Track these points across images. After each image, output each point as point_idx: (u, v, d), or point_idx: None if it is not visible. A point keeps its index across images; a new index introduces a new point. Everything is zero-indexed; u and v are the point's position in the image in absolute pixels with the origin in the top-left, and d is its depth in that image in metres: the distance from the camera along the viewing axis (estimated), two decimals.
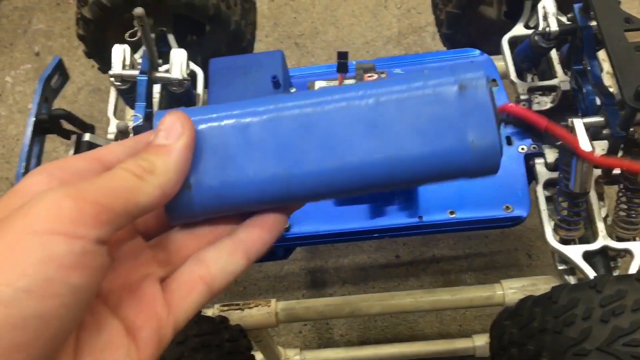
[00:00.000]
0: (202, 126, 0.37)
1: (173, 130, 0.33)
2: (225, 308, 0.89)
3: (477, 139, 0.41)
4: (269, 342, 1.01)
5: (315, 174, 0.39)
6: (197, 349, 0.72)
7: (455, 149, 0.40)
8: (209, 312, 0.90)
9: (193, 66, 0.98)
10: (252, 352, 0.87)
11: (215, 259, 0.34)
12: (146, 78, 0.83)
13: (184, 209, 0.37)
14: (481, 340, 1.12)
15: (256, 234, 0.35)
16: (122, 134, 0.68)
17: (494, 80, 0.93)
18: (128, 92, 0.88)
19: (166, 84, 0.88)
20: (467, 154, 0.41)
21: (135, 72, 0.84)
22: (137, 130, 0.76)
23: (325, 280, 1.27)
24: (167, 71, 0.88)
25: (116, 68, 0.85)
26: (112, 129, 0.97)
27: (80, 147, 0.90)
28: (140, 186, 0.30)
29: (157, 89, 0.94)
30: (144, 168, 0.31)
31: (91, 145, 0.90)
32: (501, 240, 1.28)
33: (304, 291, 1.26)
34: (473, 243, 1.28)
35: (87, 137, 0.90)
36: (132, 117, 0.76)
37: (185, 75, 0.88)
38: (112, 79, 0.86)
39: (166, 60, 0.91)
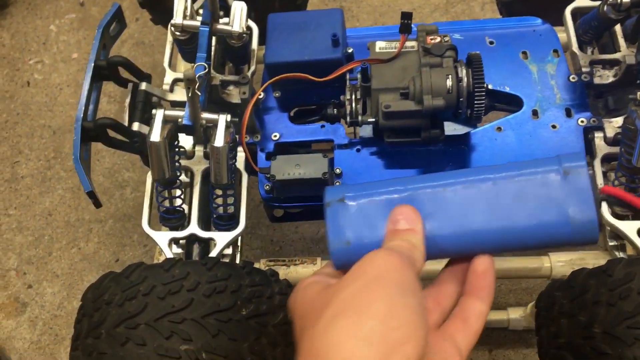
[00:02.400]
0: (359, 201, 0.55)
1: (410, 218, 0.51)
2: (272, 263, 0.90)
3: (577, 216, 0.52)
4: None
5: (452, 235, 0.54)
6: (250, 299, 0.73)
7: (558, 223, 0.53)
8: (256, 265, 0.91)
9: (249, 21, 0.97)
10: None
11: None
12: (208, 29, 0.82)
13: (345, 259, 0.54)
14: (515, 314, 1.12)
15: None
16: (189, 82, 0.68)
17: (555, 51, 0.91)
18: (186, 42, 0.88)
19: (225, 36, 0.88)
20: (567, 227, 0.52)
21: (197, 23, 0.83)
22: (202, 79, 0.76)
23: None
24: (226, 24, 0.88)
25: (178, 17, 0.84)
26: (168, 79, 0.97)
27: (137, 96, 0.90)
28: (415, 256, 0.49)
29: (212, 42, 0.94)
30: (412, 244, 0.50)
31: (147, 95, 0.91)
32: None
33: None
34: None
35: (143, 86, 0.90)
36: (195, 67, 0.76)
37: (245, 29, 0.87)
38: (172, 29, 0.86)
39: (226, 13, 0.91)
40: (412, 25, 0.84)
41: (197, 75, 0.72)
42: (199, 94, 0.71)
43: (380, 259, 0.46)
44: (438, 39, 0.82)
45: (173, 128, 0.78)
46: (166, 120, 0.77)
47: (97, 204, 0.82)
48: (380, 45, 0.85)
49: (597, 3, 0.89)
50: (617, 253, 0.83)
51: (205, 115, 0.77)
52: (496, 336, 1.17)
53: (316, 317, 0.43)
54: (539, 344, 0.79)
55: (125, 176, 1.40)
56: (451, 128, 0.86)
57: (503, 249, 0.55)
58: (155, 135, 0.75)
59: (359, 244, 0.54)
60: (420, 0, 1.54)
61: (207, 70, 0.77)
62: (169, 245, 0.84)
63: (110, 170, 1.41)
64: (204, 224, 0.89)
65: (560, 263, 0.86)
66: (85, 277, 1.31)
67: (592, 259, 0.86)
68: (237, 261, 0.88)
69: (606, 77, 0.88)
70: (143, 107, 0.89)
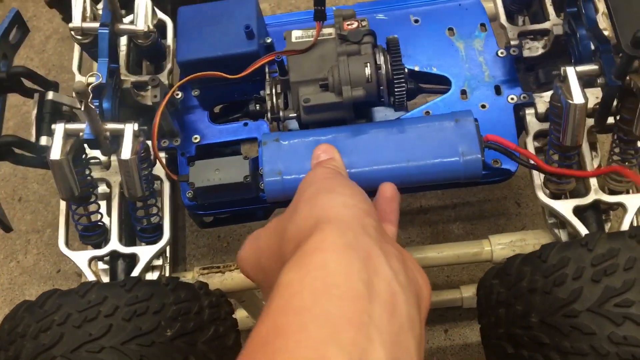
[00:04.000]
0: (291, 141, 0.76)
1: (328, 150, 0.63)
2: (205, 271, 0.86)
3: (465, 152, 0.72)
4: (253, 301, 0.99)
5: (367, 170, 0.72)
6: (175, 318, 0.69)
7: (451, 158, 0.72)
8: (189, 275, 0.87)
9: (161, 15, 0.91)
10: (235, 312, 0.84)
11: None
12: (107, 31, 0.76)
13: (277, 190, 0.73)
14: (468, 292, 1.10)
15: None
16: (80, 95, 0.63)
17: (482, 24, 0.87)
18: (91, 45, 0.82)
19: (131, 36, 0.82)
20: (458, 162, 0.71)
21: (96, 25, 0.77)
22: (98, 90, 0.71)
23: None
24: (131, 22, 0.82)
25: (76, 20, 0.78)
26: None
27: (44, 107, 0.84)
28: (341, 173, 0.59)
29: (123, 41, 0.88)
30: (335, 167, 0.59)
31: (55, 105, 0.85)
32: (489, 188, 1.25)
33: None
34: (461, 192, 1.25)
35: (50, 95, 0.84)
36: (94, 76, 0.70)
37: (151, 26, 0.82)
38: (72, 33, 0.80)
39: (131, 10, 0.85)
40: (329, 10, 0.79)
41: (91, 87, 0.67)
42: (94, 106, 0.66)
43: (319, 169, 0.58)
44: (355, 24, 0.77)
45: (77, 142, 0.73)
46: (68, 134, 0.71)
47: (6, 229, 0.76)
48: (296, 35, 0.80)
49: None
50: (557, 231, 0.80)
51: (110, 125, 0.72)
52: (451, 315, 1.16)
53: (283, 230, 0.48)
54: (482, 333, 0.77)
55: None
56: (382, 114, 0.82)
57: (409, 181, 0.72)
58: (56, 153, 0.69)
59: (289, 175, 0.73)
60: None
61: (102, 79, 0.71)
62: (90, 264, 0.79)
63: (45, 177, 1.34)
64: (129, 238, 0.84)
65: (500, 246, 0.83)
66: (26, 290, 1.26)
67: (533, 239, 0.83)
68: (167, 273, 0.83)
69: (535, 49, 0.84)
70: (51, 119, 0.82)
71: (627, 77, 0.68)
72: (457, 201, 1.24)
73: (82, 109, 0.65)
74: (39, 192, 1.33)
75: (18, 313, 0.70)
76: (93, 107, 0.66)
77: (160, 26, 0.92)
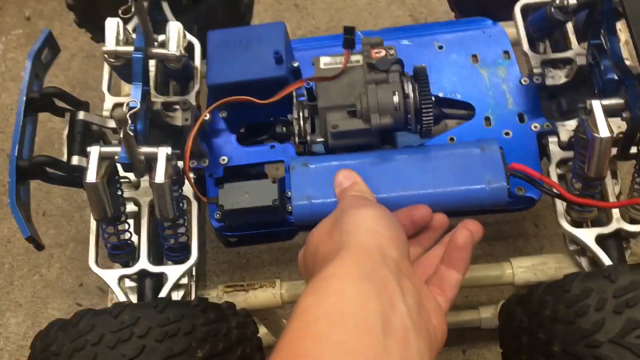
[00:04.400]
0: (319, 165, 0.79)
1: (349, 176, 0.64)
2: (230, 289, 0.88)
3: (491, 180, 0.73)
4: (275, 320, 1.00)
5: (394, 196, 0.74)
6: (205, 339, 0.71)
7: (477, 186, 0.74)
8: (213, 293, 0.88)
9: (189, 37, 0.93)
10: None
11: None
12: (142, 56, 0.78)
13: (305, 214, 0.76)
14: (487, 312, 1.11)
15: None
16: (120, 122, 0.65)
17: (506, 52, 0.88)
18: (123, 67, 0.84)
19: (162, 60, 0.84)
20: (484, 190, 0.73)
21: (130, 49, 0.80)
22: (135, 115, 0.73)
23: None
24: (162, 44, 0.84)
25: (110, 44, 0.80)
26: (108, 105, 0.93)
27: (75, 126, 0.86)
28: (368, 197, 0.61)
29: (152, 62, 0.90)
30: (360, 192, 0.62)
31: (86, 124, 0.87)
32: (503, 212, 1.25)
33: None
34: None
35: (81, 115, 0.87)
36: (129, 103, 0.72)
37: (183, 50, 0.83)
38: (105, 56, 0.82)
39: (160, 30, 0.87)
40: (358, 36, 0.80)
41: (128, 113, 0.69)
42: (131, 132, 0.68)
43: (349, 198, 0.60)
44: (383, 52, 0.79)
45: (111, 164, 0.75)
46: (102, 157, 0.73)
47: (39, 247, 0.78)
48: (324, 61, 0.81)
49: (547, 0, 0.86)
50: (578, 258, 0.81)
51: (144, 149, 0.74)
52: (469, 336, 1.16)
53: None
54: (503, 357, 0.78)
55: (84, 197, 1.34)
56: (405, 139, 0.84)
57: (435, 208, 0.68)
58: (91, 176, 0.71)
59: (317, 199, 0.75)
60: None
61: (139, 105, 0.73)
62: (120, 283, 0.81)
63: (69, 192, 1.37)
64: (156, 256, 0.86)
65: (522, 269, 0.84)
66: (49, 304, 1.28)
67: (554, 263, 0.84)
68: (193, 292, 0.85)
69: (558, 77, 0.85)
70: (82, 139, 0.85)
71: None
72: None
73: (121, 135, 0.67)
74: (62, 207, 1.35)
75: (51, 332, 0.72)
76: (131, 133, 0.67)
77: (189, 47, 0.94)
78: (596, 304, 0.66)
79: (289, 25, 1.55)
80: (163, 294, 0.79)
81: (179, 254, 0.83)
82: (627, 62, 0.81)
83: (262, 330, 1.04)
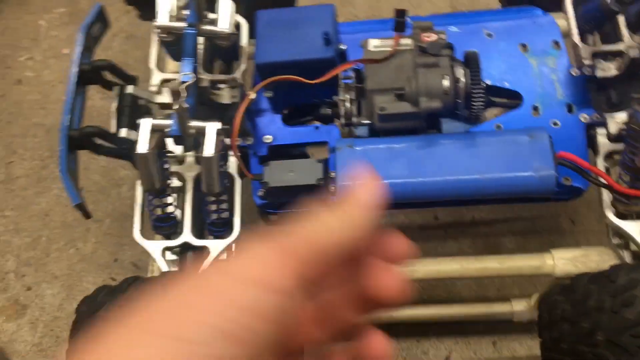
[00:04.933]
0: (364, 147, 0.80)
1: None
2: None
3: (539, 168, 0.73)
4: None
5: (433, 181, 0.74)
6: None
7: (525, 173, 0.73)
8: None
9: (237, 16, 0.94)
10: None
11: None
12: (195, 31, 0.79)
13: None
14: (520, 306, 1.10)
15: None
16: (175, 94, 0.66)
17: (556, 42, 0.88)
18: (172, 43, 0.85)
19: (213, 37, 0.85)
20: (532, 177, 0.73)
21: (183, 25, 0.81)
22: (189, 89, 0.74)
23: None
24: (212, 21, 0.85)
25: (162, 19, 0.81)
26: (155, 80, 0.94)
27: (124, 100, 0.88)
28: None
29: (200, 40, 0.91)
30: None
31: (134, 98, 0.88)
32: (544, 204, 1.24)
33: None
34: (515, 207, 1.25)
35: (130, 89, 0.88)
36: (182, 76, 0.73)
37: (233, 29, 0.84)
38: (157, 30, 0.83)
39: (209, 10, 0.87)
40: (408, 21, 0.80)
41: (183, 86, 0.70)
42: (186, 105, 0.69)
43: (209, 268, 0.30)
44: (434, 36, 0.79)
45: (161, 137, 0.76)
46: (154, 129, 0.75)
47: (87, 215, 0.80)
48: (374, 44, 0.82)
49: None
50: (620, 251, 0.81)
51: (194, 123, 0.75)
52: (501, 328, 1.16)
53: None
54: (542, 346, 0.78)
55: (122, 174, 1.38)
56: (450, 126, 0.83)
57: (482, 193, 0.73)
58: (143, 147, 0.73)
59: None
60: None
61: (194, 77, 0.74)
62: (162, 254, 0.82)
63: (106, 169, 1.39)
64: (198, 230, 0.87)
65: (563, 261, 0.84)
66: (84, 277, 1.30)
67: (596, 256, 0.83)
68: None
69: (609, 69, 0.84)
70: (130, 112, 0.86)
71: None
72: (509, 215, 1.25)
73: (175, 107, 0.68)
74: (100, 183, 1.37)
75: (99, 297, 0.73)
76: (185, 106, 0.68)
77: (236, 27, 0.94)
78: None
79: None
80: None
81: (221, 229, 0.84)
82: None
83: None
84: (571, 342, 0.70)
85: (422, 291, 1.21)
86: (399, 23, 0.78)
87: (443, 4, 1.47)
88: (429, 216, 1.27)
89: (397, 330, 1.18)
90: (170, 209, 0.84)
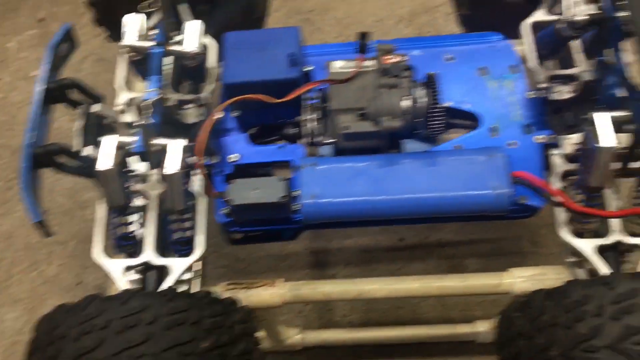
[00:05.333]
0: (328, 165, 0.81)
1: None
2: (232, 287, 0.89)
3: (496, 187, 0.76)
4: (272, 322, 1.01)
5: (394, 199, 0.76)
6: (210, 331, 0.71)
7: (481, 191, 0.76)
8: (215, 289, 0.89)
9: (205, 38, 0.96)
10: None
11: None
12: (162, 50, 0.80)
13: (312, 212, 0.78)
14: (483, 327, 1.11)
15: None
16: (142, 110, 0.66)
17: (514, 66, 0.91)
18: (140, 63, 0.86)
19: (180, 57, 0.86)
20: (489, 195, 0.76)
21: (150, 44, 0.82)
22: (155, 105, 0.74)
23: (328, 261, 1.27)
24: (179, 42, 0.86)
25: (130, 39, 0.82)
26: (122, 99, 0.95)
27: (89, 118, 0.88)
28: None
29: (168, 60, 0.92)
30: None
31: (99, 117, 0.88)
32: (506, 227, 1.27)
33: (307, 270, 1.26)
34: (478, 229, 1.27)
35: (95, 108, 0.88)
36: (148, 93, 0.74)
37: (200, 49, 0.86)
38: (124, 50, 0.84)
39: (177, 30, 0.89)
40: (371, 44, 0.83)
41: (148, 102, 0.71)
42: (151, 122, 0.69)
43: None
44: (395, 59, 0.81)
45: (125, 154, 0.76)
46: (117, 147, 0.75)
47: (47, 234, 0.79)
48: (338, 65, 0.84)
49: (555, 17, 0.89)
50: (576, 269, 0.83)
51: (159, 141, 0.75)
52: (464, 349, 1.17)
53: None
54: None
55: (86, 196, 1.36)
56: (412, 146, 0.85)
57: (440, 211, 0.76)
58: (106, 164, 0.73)
59: (325, 198, 0.78)
60: (384, 11, 1.54)
61: (160, 95, 0.74)
62: (124, 273, 0.82)
63: (72, 190, 1.37)
64: (162, 249, 0.86)
65: (521, 279, 0.86)
66: (47, 300, 1.27)
67: (553, 274, 0.85)
68: (196, 287, 0.85)
69: (564, 92, 0.88)
70: (95, 131, 0.86)
71: None
72: (473, 237, 1.27)
73: (142, 122, 0.68)
74: (65, 205, 1.36)
75: (58, 315, 0.72)
76: (151, 122, 0.69)
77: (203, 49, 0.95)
78: (595, 310, 0.67)
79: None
80: (166, 286, 0.80)
81: (184, 248, 0.84)
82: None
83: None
84: (527, 358, 0.71)
85: (387, 312, 1.22)
86: (362, 45, 0.80)
87: (409, 31, 1.51)
88: (395, 238, 1.28)
89: (362, 352, 1.18)
90: (133, 227, 0.83)
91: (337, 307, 1.23)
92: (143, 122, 0.68)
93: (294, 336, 1.12)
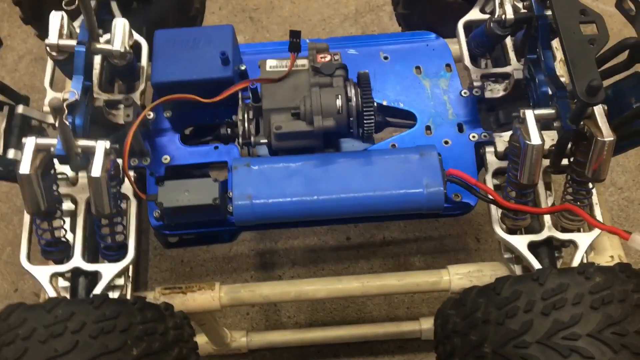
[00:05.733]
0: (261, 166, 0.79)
1: None
2: (167, 291, 0.86)
3: (429, 185, 0.76)
4: (213, 325, 0.99)
5: (328, 199, 0.76)
6: (141, 337, 0.69)
7: (415, 190, 0.76)
8: (150, 295, 0.87)
9: (137, 37, 0.93)
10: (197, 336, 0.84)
11: None
12: (84, 50, 0.78)
13: (246, 214, 0.76)
14: (428, 324, 1.12)
15: None
16: (55, 111, 0.64)
17: (448, 65, 0.91)
18: (66, 62, 0.83)
19: (107, 55, 0.84)
20: (422, 194, 0.76)
21: (73, 43, 0.79)
22: (73, 106, 0.72)
23: (275, 262, 1.25)
24: (108, 42, 0.83)
25: (52, 37, 0.79)
26: (49, 100, 0.91)
27: (13, 119, 0.84)
28: None
29: (97, 60, 0.89)
30: None
31: (24, 118, 0.85)
32: (451, 224, 1.28)
33: (253, 272, 1.24)
34: (423, 226, 1.28)
35: (20, 109, 0.85)
36: (68, 92, 0.71)
37: (128, 47, 0.83)
38: (47, 49, 0.81)
39: (108, 29, 0.86)
40: (303, 42, 0.82)
41: (66, 103, 0.68)
42: (67, 122, 0.67)
43: None
44: (328, 58, 0.80)
45: (47, 156, 0.73)
46: (38, 149, 0.72)
47: None
48: (270, 64, 0.82)
49: (487, 16, 0.89)
50: (512, 266, 0.84)
51: (81, 142, 0.73)
52: (410, 347, 1.17)
53: None
54: None
55: None
56: (349, 145, 0.85)
57: (374, 210, 0.75)
58: (25, 167, 0.70)
59: (258, 199, 0.76)
60: (330, 10, 1.53)
61: (78, 96, 0.72)
62: (52, 280, 0.79)
63: (8, 195, 1.33)
64: (92, 255, 0.84)
65: (458, 276, 0.86)
66: None
67: (489, 271, 0.86)
68: (129, 293, 0.83)
69: (497, 91, 0.88)
70: (20, 133, 0.83)
71: (582, 122, 0.72)
72: (419, 235, 1.27)
73: (56, 124, 0.65)
74: (1, 210, 1.31)
75: None
76: (67, 123, 0.66)
77: (136, 47, 0.93)
78: (525, 306, 0.68)
79: (243, 37, 1.56)
80: (97, 292, 0.77)
81: (115, 253, 0.81)
82: (562, 79, 0.85)
83: (202, 339, 1.02)
84: (462, 355, 0.72)
85: (333, 312, 1.21)
86: (294, 44, 0.79)
87: (355, 30, 1.51)
88: (342, 237, 1.28)
89: (308, 352, 1.17)
90: (61, 232, 0.80)
91: (283, 308, 1.22)
92: (57, 122, 0.65)
93: (240, 339, 1.11)
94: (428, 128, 0.86)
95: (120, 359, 0.67)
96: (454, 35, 0.95)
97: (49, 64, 0.93)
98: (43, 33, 1.11)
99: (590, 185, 0.78)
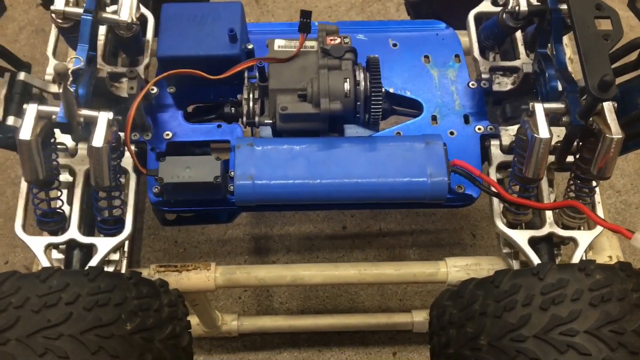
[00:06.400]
0: (265, 146, 0.77)
1: None
2: (162, 269, 0.85)
3: (433, 174, 0.75)
4: (206, 307, 0.98)
5: (331, 183, 0.74)
6: (136, 313, 0.68)
7: (419, 178, 0.75)
8: (145, 272, 0.86)
9: (144, 10, 0.92)
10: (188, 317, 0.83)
11: None
12: (90, 18, 0.76)
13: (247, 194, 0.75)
14: (420, 316, 1.12)
15: None
16: (60, 76, 0.62)
17: (457, 56, 0.91)
18: (71, 31, 0.82)
19: (113, 26, 0.82)
20: (426, 182, 0.75)
21: (80, 10, 0.77)
22: (77, 74, 0.70)
23: (269, 247, 1.25)
24: (115, 12, 0.82)
25: (59, 3, 0.78)
26: (51, 69, 0.90)
27: (14, 87, 0.83)
28: None
29: (102, 30, 0.88)
30: None
31: (26, 86, 0.83)
32: (447, 218, 1.27)
33: (246, 257, 1.23)
34: (420, 219, 1.28)
35: (21, 76, 0.83)
36: (73, 60, 0.70)
37: (135, 19, 0.82)
38: (53, 16, 0.79)
39: (115, 1, 0.85)
40: (313, 24, 0.81)
41: (71, 69, 0.66)
42: (72, 89, 0.65)
43: None
44: (338, 40, 0.79)
45: (48, 125, 0.72)
46: (40, 116, 0.70)
47: None
48: (279, 44, 0.81)
49: (499, 8, 0.89)
50: (510, 260, 0.83)
51: (84, 112, 0.71)
52: (401, 338, 1.17)
53: None
54: (431, 352, 0.79)
55: (18, 172, 1.30)
56: (353, 131, 0.84)
57: (377, 196, 0.74)
58: (26, 133, 0.68)
59: (260, 179, 0.75)
60: None
61: (83, 63, 0.70)
62: (46, 251, 0.77)
63: (2, 167, 1.31)
64: (88, 228, 0.82)
65: (456, 268, 0.85)
66: None
67: (487, 264, 0.85)
68: (124, 269, 0.82)
69: (505, 84, 0.88)
70: (20, 100, 0.81)
71: (590, 119, 0.71)
72: (415, 227, 1.27)
73: (60, 91, 0.64)
74: None
75: None
76: (71, 90, 0.65)
77: (141, 22, 0.92)
78: (523, 300, 0.67)
79: (248, 20, 1.55)
80: (93, 263, 0.76)
81: (112, 227, 0.80)
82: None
83: (193, 321, 1.01)
84: (457, 347, 0.71)
85: (325, 300, 1.21)
86: (304, 24, 0.78)
87: (361, 18, 1.49)
88: (338, 226, 1.27)
89: (299, 339, 1.17)
90: (57, 203, 0.79)
91: (275, 294, 1.21)
92: (61, 88, 0.64)
93: (230, 322, 1.10)
94: (434, 118, 0.85)
95: (114, 333, 0.67)
96: (462, 27, 0.94)
97: (53, 32, 0.91)
98: (47, 1, 1.10)
99: (594, 183, 0.78)
